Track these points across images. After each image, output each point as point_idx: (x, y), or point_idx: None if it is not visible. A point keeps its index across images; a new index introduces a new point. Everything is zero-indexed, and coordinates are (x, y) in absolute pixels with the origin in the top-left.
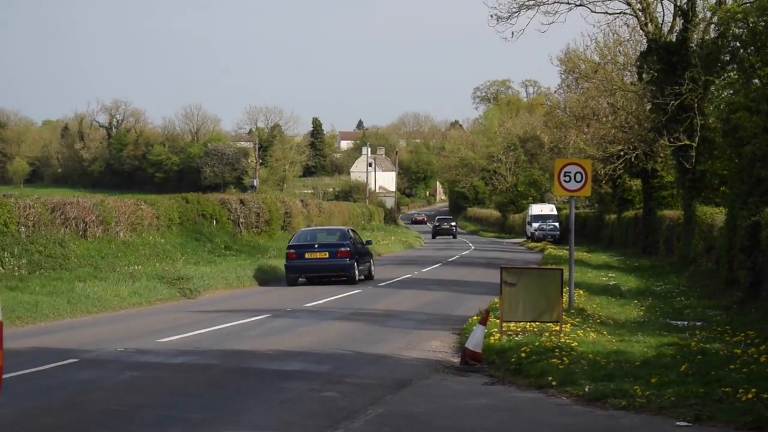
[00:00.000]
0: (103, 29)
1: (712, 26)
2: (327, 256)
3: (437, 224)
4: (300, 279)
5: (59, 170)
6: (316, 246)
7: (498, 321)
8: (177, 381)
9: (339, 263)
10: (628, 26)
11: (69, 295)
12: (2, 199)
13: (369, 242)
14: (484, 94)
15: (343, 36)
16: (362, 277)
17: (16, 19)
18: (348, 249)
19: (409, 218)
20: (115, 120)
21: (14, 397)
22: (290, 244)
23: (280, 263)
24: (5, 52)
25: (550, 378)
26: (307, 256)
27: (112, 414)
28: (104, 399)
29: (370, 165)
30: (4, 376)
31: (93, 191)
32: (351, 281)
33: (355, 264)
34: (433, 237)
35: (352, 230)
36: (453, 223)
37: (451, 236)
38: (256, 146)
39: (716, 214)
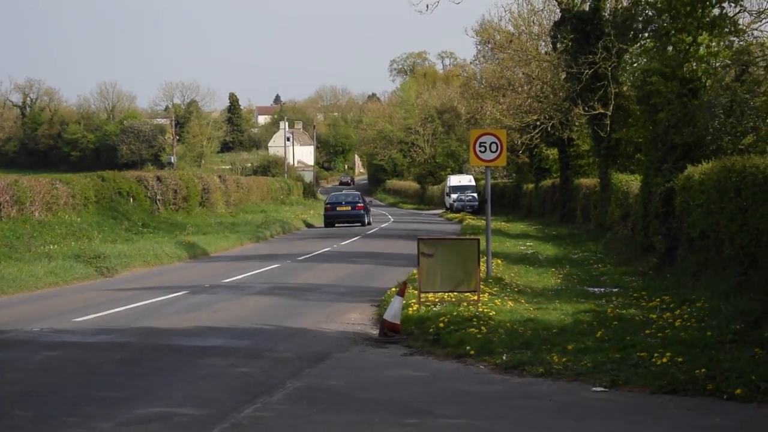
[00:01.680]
0: (15, 5)
1: None
2: (349, 209)
3: (330, 206)
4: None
5: None
6: (343, 203)
7: (416, 292)
8: (93, 360)
9: (357, 213)
10: None
11: None
12: None
13: (371, 202)
14: (400, 66)
15: (258, 9)
16: (369, 221)
17: None
18: (362, 204)
19: (327, 192)
20: (28, 99)
21: None
22: (327, 202)
23: (199, 240)
24: None
25: (468, 347)
26: (338, 209)
27: (27, 395)
28: (19, 380)
29: (288, 139)
30: None
31: (7, 171)
32: (364, 225)
33: (365, 214)
34: (325, 226)
35: (362, 195)
36: (360, 203)
37: (359, 223)
38: (173, 123)
39: (632, 182)
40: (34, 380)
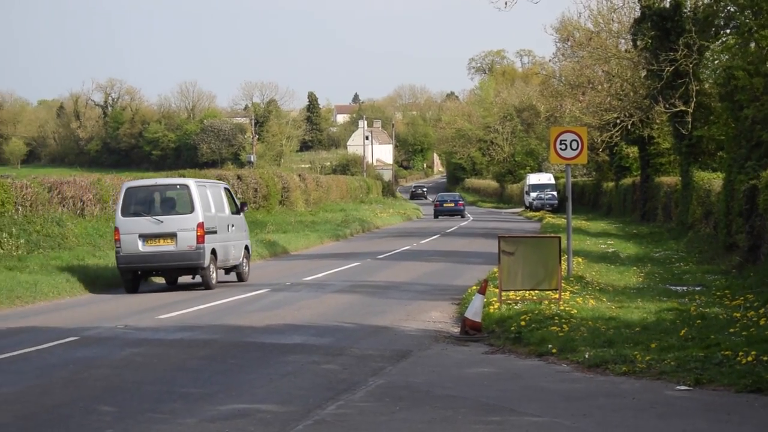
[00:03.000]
0: (96, 7)
1: None
2: (453, 205)
3: (437, 202)
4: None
5: (55, 149)
6: (448, 200)
7: (497, 290)
8: (176, 357)
9: (458, 209)
10: None
11: (68, 273)
12: None
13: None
14: (479, 64)
15: (338, 9)
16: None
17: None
18: (462, 202)
19: (407, 191)
20: (110, 98)
21: (15, 377)
22: (435, 200)
23: (279, 238)
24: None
25: (550, 345)
26: (444, 205)
27: (112, 391)
28: (105, 376)
29: (367, 138)
30: (5, 356)
31: (90, 170)
32: (463, 217)
33: (464, 209)
34: (435, 217)
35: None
36: (460, 201)
37: (459, 215)
38: (253, 122)
39: (713, 179)
40: (119, 376)
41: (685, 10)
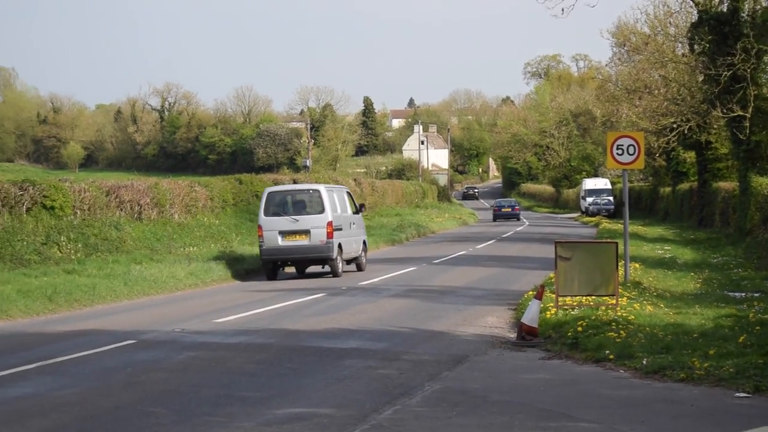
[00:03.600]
0: (153, 11)
1: None
2: (510, 210)
3: (495, 207)
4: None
5: (113, 153)
6: (506, 206)
7: (554, 295)
8: (234, 360)
9: (515, 213)
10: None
11: (126, 277)
12: (58, 184)
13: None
14: (534, 69)
15: (393, 15)
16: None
17: (66, 4)
18: (518, 207)
19: (460, 194)
20: (167, 103)
21: (74, 379)
22: (494, 206)
23: None
24: (57, 37)
25: (607, 351)
26: (502, 210)
27: (171, 394)
28: (163, 379)
29: (422, 143)
30: (64, 358)
31: (147, 174)
32: (518, 220)
33: (519, 213)
34: (494, 220)
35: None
36: (517, 206)
37: (515, 219)
38: (308, 126)
39: None
40: (177, 380)
41: (743, 14)
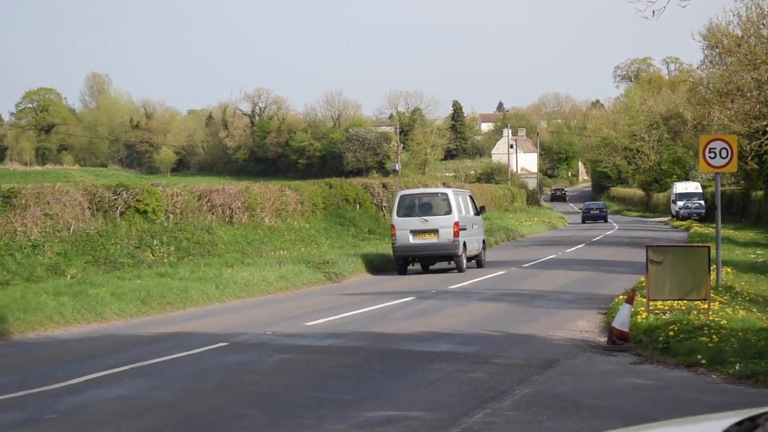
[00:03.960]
0: (242, 20)
1: None
2: (598, 212)
3: (584, 209)
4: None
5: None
6: (594, 208)
7: (644, 300)
8: (324, 363)
9: (603, 215)
10: None
11: (217, 280)
12: (150, 188)
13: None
14: (624, 72)
15: (481, 20)
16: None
17: (157, 11)
18: (606, 209)
19: (549, 196)
20: (257, 108)
21: (168, 381)
22: (583, 208)
23: None
24: (149, 44)
25: (699, 356)
26: (591, 212)
27: (262, 396)
28: (255, 381)
29: (511, 146)
30: (158, 360)
31: (238, 178)
32: (606, 222)
33: (607, 215)
34: (582, 222)
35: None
36: (602, 207)
37: (603, 220)
38: (397, 130)
39: None
40: (269, 382)
41: None
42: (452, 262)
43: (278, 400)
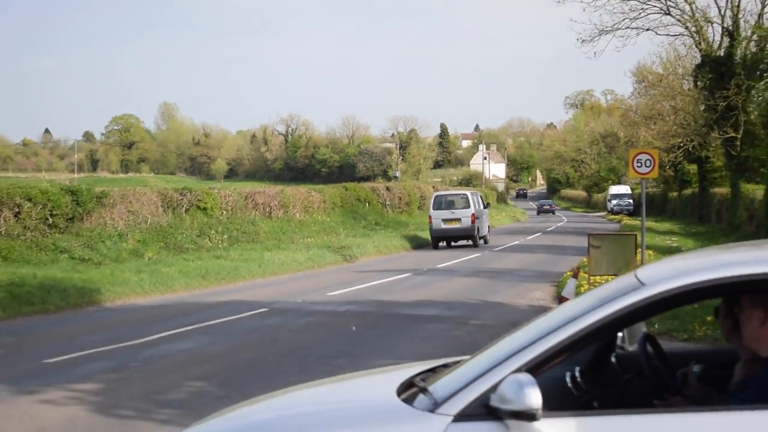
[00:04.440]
0: (280, 60)
1: (753, 42)
2: (549, 207)
3: (539, 206)
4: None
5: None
6: (545, 205)
7: (586, 275)
8: (342, 324)
9: (552, 209)
10: (684, 45)
11: (259, 261)
12: (208, 191)
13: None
14: (572, 101)
15: (464, 61)
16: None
17: (214, 51)
18: (554, 205)
19: (513, 195)
20: (290, 129)
21: (222, 337)
22: (538, 204)
23: (419, 233)
24: (208, 79)
25: None
26: (544, 207)
27: (294, 349)
28: (288, 338)
29: (485, 158)
30: (214, 322)
31: (275, 183)
32: (554, 214)
33: (555, 211)
34: (537, 214)
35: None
36: (552, 204)
37: (551, 213)
38: (397, 146)
39: (756, 191)
40: (299, 338)
41: (736, 58)
42: (470, 240)
43: (306, 352)
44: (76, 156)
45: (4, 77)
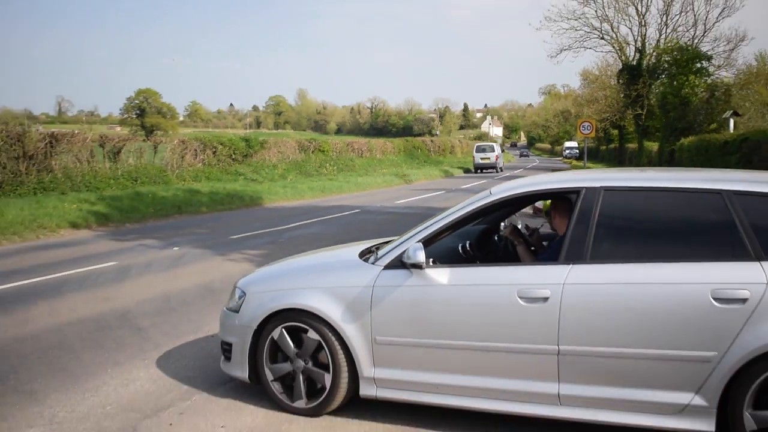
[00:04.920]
0: (364, 62)
1: (653, 57)
2: (526, 152)
3: (519, 152)
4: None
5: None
6: (524, 151)
7: None
8: (405, 219)
9: (527, 154)
10: (612, 57)
11: (355, 182)
12: (325, 140)
13: (528, 150)
14: (544, 90)
15: (477, 60)
16: (529, 157)
17: (339, 43)
18: (528, 152)
19: (508, 146)
20: (374, 104)
21: (332, 226)
22: (519, 152)
23: (450, 168)
24: (329, 70)
25: None
26: (522, 153)
27: (377, 232)
28: (372, 227)
29: (490, 124)
30: (328, 217)
31: (365, 137)
32: (528, 157)
33: (530, 155)
34: (519, 157)
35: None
36: (527, 151)
37: (527, 156)
38: (438, 116)
39: (653, 146)
40: (380, 226)
41: (643, 66)
42: (495, 169)
43: (384, 233)
44: (248, 120)
45: (213, 71)
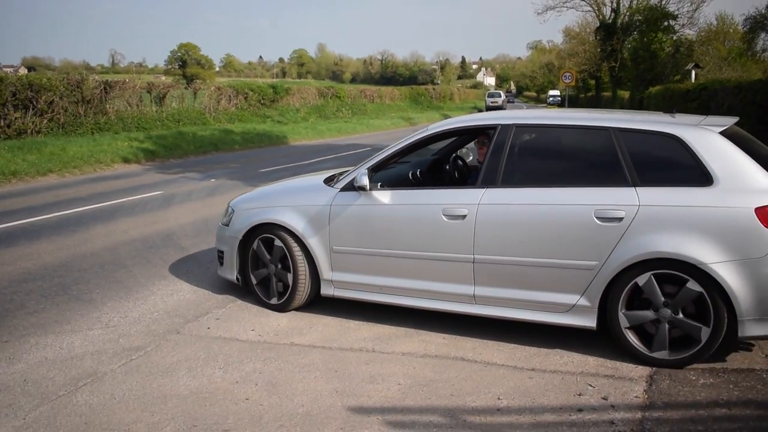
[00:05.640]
0: (379, 11)
1: (626, 16)
2: (513, 98)
3: (506, 98)
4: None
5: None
6: (510, 98)
7: None
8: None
9: (513, 101)
10: (591, 16)
11: (367, 123)
12: (341, 87)
13: (514, 96)
14: (531, 45)
15: (477, 17)
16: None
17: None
18: (514, 99)
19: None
20: (384, 57)
21: (348, 161)
22: (507, 98)
23: (450, 113)
24: (347, 28)
25: None
26: (510, 99)
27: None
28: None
29: (484, 75)
30: (347, 153)
31: (375, 85)
32: (514, 103)
33: (515, 100)
34: (508, 102)
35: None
36: (513, 98)
37: (513, 103)
38: (440, 67)
39: (626, 94)
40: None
41: (618, 24)
42: (501, 110)
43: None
44: (274, 70)
45: (246, 29)
